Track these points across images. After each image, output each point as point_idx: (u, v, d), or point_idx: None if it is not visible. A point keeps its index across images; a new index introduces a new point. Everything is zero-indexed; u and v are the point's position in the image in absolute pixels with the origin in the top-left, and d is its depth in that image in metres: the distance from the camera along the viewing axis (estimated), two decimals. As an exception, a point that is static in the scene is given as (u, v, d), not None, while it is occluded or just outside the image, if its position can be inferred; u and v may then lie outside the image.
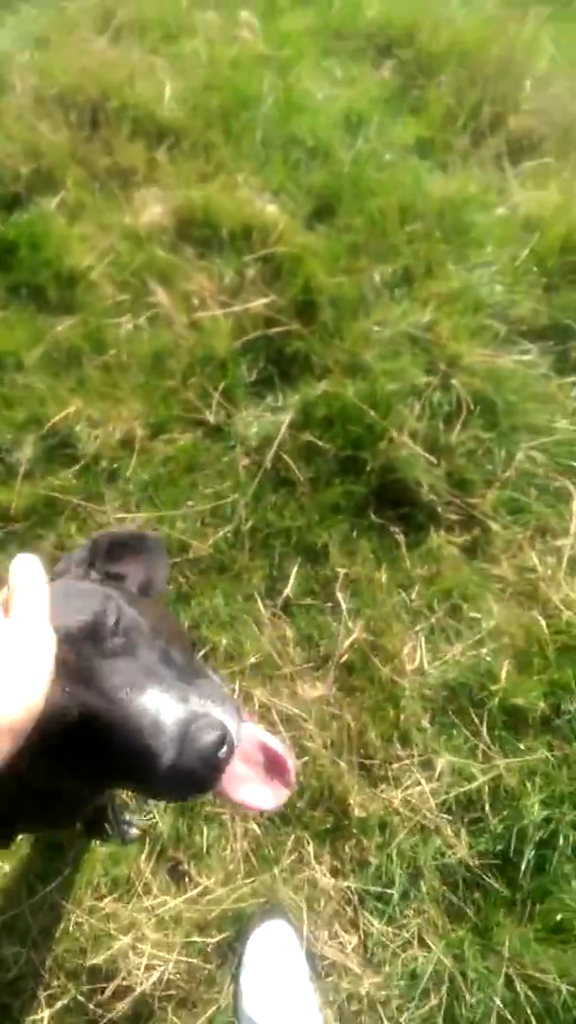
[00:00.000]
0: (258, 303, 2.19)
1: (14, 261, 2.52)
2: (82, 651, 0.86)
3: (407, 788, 1.62)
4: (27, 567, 0.80)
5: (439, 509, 1.92)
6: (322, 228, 2.44)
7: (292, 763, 0.98)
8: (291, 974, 1.49)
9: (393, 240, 2.37)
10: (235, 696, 0.97)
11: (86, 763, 0.86)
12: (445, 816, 1.59)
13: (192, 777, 0.80)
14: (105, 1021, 1.47)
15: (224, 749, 0.82)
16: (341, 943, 1.51)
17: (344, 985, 1.49)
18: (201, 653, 1.76)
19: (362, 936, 1.52)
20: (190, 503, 1.95)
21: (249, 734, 0.97)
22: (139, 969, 1.50)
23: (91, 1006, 1.49)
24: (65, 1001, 1.50)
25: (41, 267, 2.48)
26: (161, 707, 0.82)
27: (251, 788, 0.97)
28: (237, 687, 1.74)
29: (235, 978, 1.51)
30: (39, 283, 2.46)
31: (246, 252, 2.38)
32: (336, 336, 2.16)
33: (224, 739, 0.83)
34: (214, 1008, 1.48)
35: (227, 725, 0.84)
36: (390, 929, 1.52)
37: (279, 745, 0.97)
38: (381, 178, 2.55)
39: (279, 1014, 1.44)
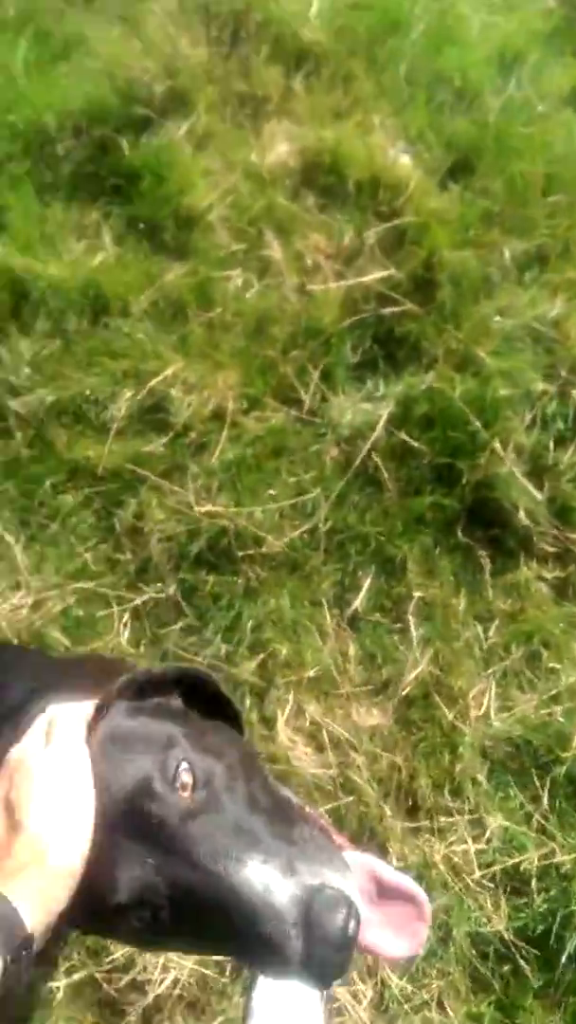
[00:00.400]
0: (374, 276, 1.60)
1: (136, 192, 1.96)
2: (149, 812, 0.59)
3: (451, 844, 1.23)
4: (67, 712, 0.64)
5: (534, 538, 1.40)
6: (456, 189, 1.78)
7: (418, 888, 0.63)
8: (304, 1006, 1.19)
9: (532, 212, 1.70)
10: (327, 823, 0.66)
11: (189, 938, 0.62)
12: (488, 883, 1.21)
13: (327, 966, 0.56)
14: (117, 1005, 1.21)
15: (353, 923, 0.56)
16: (356, 991, 1.19)
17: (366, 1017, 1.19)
18: (259, 658, 1.37)
19: (379, 986, 1.20)
20: (272, 491, 1.49)
21: (355, 863, 0.63)
22: (156, 967, 1.22)
23: (106, 986, 1.23)
24: (82, 975, 1.25)
25: (162, 202, 1.92)
26: (270, 883, 0.56)
27: (380, 932, 0.63)
28: (291, 699, 1.35)
29: (247, 995, 1.21)
30: (158, 220, 1.92)
31: (371, 210, 1.76)
32: (452, 321, 1.57)
33: (352, 911, 0.56)
34: (221, 1019, 1.20)
35: (348, 891, 0.58)
36: (409, 986, 1.19)
37: (396, 873, 0.63)
38: (530, 134, 1.83)
39: None
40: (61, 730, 0.64)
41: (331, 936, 0.55)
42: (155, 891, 0.58)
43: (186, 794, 0.60)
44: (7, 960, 0.50)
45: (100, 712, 0.67)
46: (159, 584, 1.45)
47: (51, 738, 0.63)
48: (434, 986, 1.18)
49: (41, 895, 0.54)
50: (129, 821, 0.59)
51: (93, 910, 0.58)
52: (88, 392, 1.63)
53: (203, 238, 1.84)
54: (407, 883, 0.64)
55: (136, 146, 2.02)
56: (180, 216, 1.89)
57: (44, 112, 2.11)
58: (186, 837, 0.58)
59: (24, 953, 0.52)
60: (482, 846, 1.22)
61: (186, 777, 0.61)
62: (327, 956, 0.55)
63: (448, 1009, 1.16)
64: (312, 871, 0.58)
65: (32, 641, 1.43)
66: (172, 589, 1.44)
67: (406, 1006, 1.17)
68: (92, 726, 0.64)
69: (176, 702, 0.73)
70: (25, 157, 2.09)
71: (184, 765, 0.61)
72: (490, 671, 1.33)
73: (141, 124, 2.09)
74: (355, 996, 1.18)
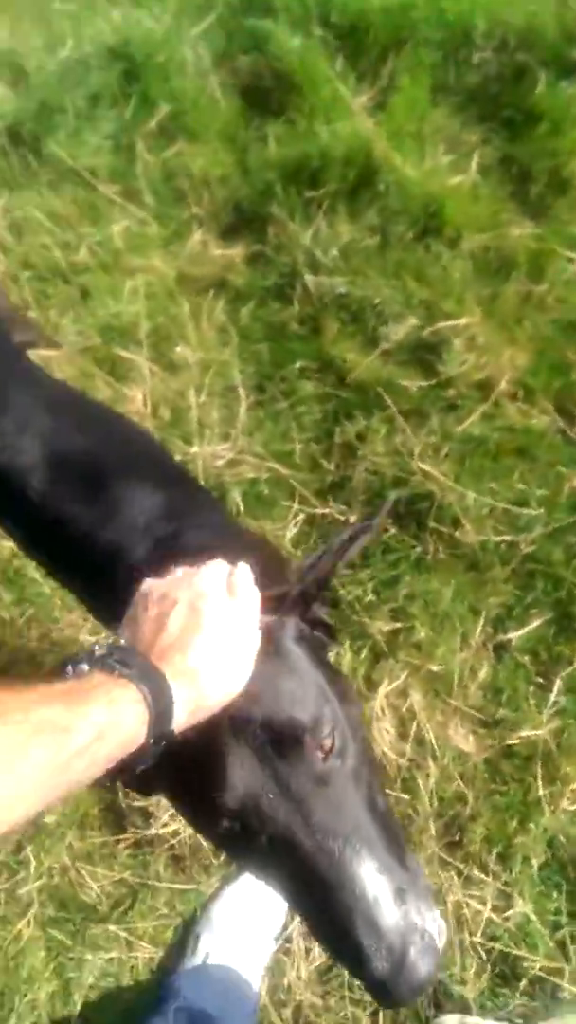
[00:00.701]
0: None
1: (525, 134, 1.81)
2: (288, 755, 0.59)
3: (468, 897, 1.17)
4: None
5: None
6: None
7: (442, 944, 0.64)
8: (265, 921, 1.21)
9: None
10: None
11: (264, 873, 0.63)
12: (481, 952, 1.16)
13: (398, 999, 0.58)
14: (121, 820, 1.28)
15: (435, 976, 0.59)
16: (311, 948, 1.19)
17: (289, 974, 1.20)
18: (396, 626, 1.33)
19: (332, 961, 1.20)
20: (494, 486, 1.40)
21: None
22: (167, 811, 1.28)
23: (121, 798, 1.29)
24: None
25: (546, 155, 1.76)
26: (379, 897, 0.57)
27: None
28: (403, 678, 1.31)
29: (223, 884, 1.26)
30: (532, 170, 1.76)
31: None
32: None
33: (439, 965, 0.59)
34: (194, 887, 1.24)
35: (439, 943, 0.60)
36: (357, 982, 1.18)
37: (442, 923, 0.63)
38: None
39: (232, 940, 1.19)
40: (244, 591, 0.64)
41: (416, 982, 0.56)
42: (260, 820, 0.58)
43: (321, 753, 0.60)
44: (149, 742, 0.53)
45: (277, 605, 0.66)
46: (345, 507, 1.43)
47: (234, 591, 0.63)
48: (381, 997, 1.16)
49: (187, 707, 0.56)
50: (265, 745, 0.59)
51: (194, 794, 0.60)
52: (378, 301, 1.59)
53: (568, 209, 1.68)
54: (442, 937, 0.64)
55: (552, 88, 1.85)
56: (557, 177, 1.73)
57: (478, 13, 1.97)
58: (311, 799, 0.58)
59: (161, 745, 0.55)
60: (497, 919, 1.16)
61: (329, 742, 0.61)
62: (403, 993, 0.57)
63: (379, 1022, 1.15)
64: (419, 909, 0.59)
65: (212, 492, 1.47)
66: (354, 518, 1.41)
67: (345, 992, 1.16)
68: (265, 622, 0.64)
69: (328, 641, 0.72)
70: (438, 49, 1.98)
71: (337, 736, 0.61)
72: (606, 778, 1.21)
73: (568, 69, 1.90)
74: (307, 952, 1.19)
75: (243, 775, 0.58)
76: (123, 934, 1.17)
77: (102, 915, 1.18)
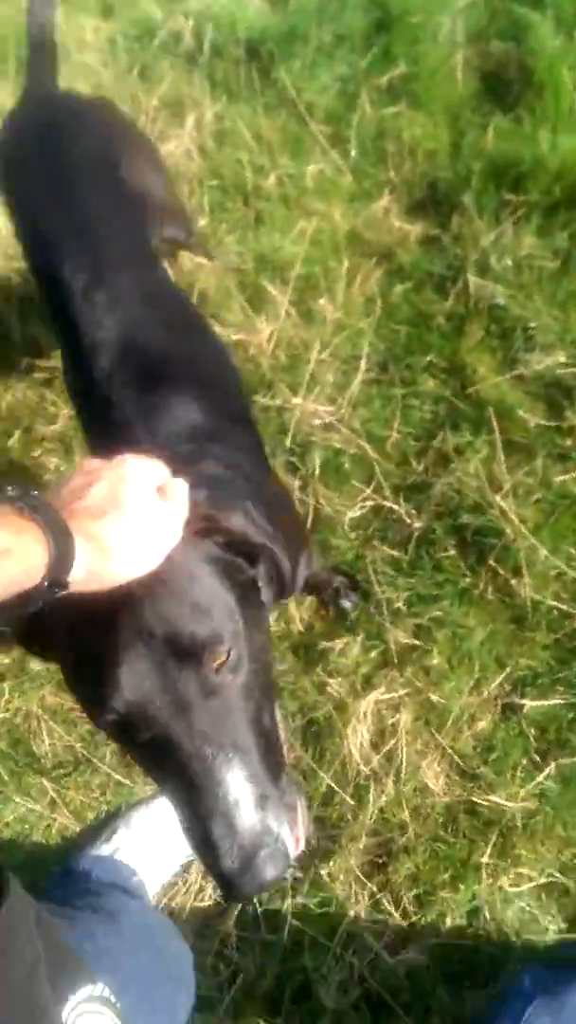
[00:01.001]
0: None
1: None
2: (182, 666, 0.62)
3: (370, 928, 1.16)
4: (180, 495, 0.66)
5: None
6: None
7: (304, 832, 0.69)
8: (179, 843, 1.23)
9: None
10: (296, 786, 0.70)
11: (142, 763, 0.67)
12: (349, 957, 1.14)
13: (238, 893, 0.62)
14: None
15: (275, 883, 0.63)
16: (203, 887, 1.20)
17: (175, 902, 1.22)
18: (413, 643, 1.31)
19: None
20: (572, 551, 1.33)
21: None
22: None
23: None
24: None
25: None
26: (240, 801, 0.61)
27: None
28: (399, 694, 1.29)
29: (156, 794, 1.29)
30: None
31: None
32: None
33: (284, 875, 0.64)
34: (130, 785, 1.26)
35: (290, 853, 0.64)
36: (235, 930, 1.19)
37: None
38: None
39: (144, 846, 1.21)
40: (178, 500, 0.65)
41: (259, 882, 0.60)
42: (145, 721, 0.61)
43: (214, 665, 0.62)
44: (44, 584, 0.55)
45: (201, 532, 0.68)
46: (414, 511, 1.41)
47: (169, 498, 0.65)
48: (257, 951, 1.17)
49: (85, 567, 0.57)
50: (164, 655, 0.61)
51: (85, 685, 0.64)
52: (532, 325, 1.53)
53: None
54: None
55: None
56: None
57: None
58: (197, 707, 0.61)
59: (54, 591, 0.56)
60: (387, 958, 1.14)
61: (224, 656, 0.63)
62: (244, 890, 0.60)
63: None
64: (277, 817, 0.62)
65: (297, 448, 1.49)
66: (418, 524, 1.39)
67: (216, 945, 1.17)
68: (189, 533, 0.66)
69: (251, 572, 0.72)
70: None
71: (233, 652, 0.64)
72: (557, 875, 1.15)
73: None
74: (199, 891, 1.21)
75: (135, 683, 0.61)
76: (53, 794, 1.25)
77: (42, 769, 1.27)
